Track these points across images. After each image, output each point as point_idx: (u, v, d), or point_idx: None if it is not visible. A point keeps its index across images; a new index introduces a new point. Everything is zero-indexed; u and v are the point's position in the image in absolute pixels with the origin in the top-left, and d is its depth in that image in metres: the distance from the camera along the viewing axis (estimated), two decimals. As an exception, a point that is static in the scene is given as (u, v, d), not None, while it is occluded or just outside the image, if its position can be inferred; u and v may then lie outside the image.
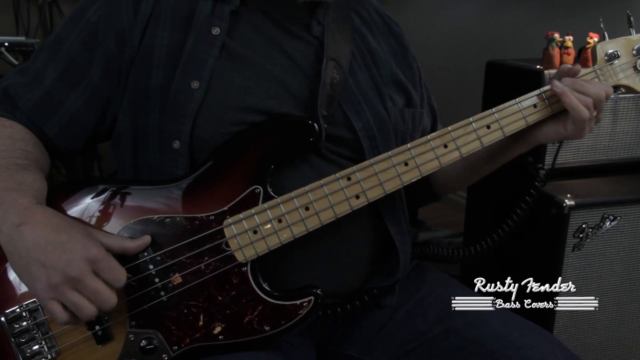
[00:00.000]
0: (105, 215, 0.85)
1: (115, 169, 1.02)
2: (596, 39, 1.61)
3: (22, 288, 0.83)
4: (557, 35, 1.64)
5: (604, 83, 0.95)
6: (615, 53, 0.97)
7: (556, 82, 0.92)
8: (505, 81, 1.75)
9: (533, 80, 1.58)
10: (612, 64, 0.97)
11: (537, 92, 0.93)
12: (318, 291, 0.86)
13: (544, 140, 0.97)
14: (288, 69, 0.94)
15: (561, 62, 1.65)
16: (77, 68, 0.93)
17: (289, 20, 0.96)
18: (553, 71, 1.57)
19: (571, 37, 1.65)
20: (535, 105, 0.93)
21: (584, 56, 1.66)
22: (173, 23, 0.92)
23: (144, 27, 0.91)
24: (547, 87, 0.94)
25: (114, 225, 0.85)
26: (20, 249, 0.76)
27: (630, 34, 0.99)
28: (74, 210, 0.86)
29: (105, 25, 0.92)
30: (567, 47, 1.65)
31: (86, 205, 0.86)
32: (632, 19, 0.99)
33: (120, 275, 0.78)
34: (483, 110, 0.92)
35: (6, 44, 2.35)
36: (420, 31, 3.27)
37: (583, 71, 0.96)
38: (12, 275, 0.83)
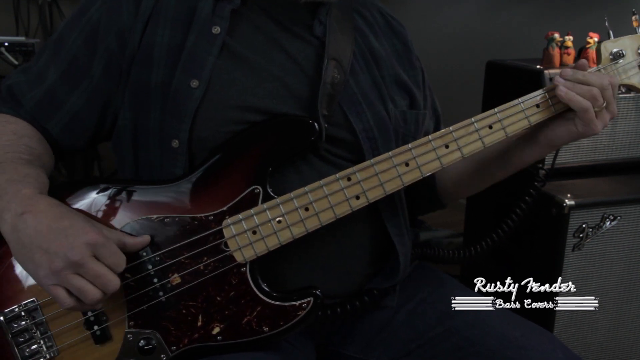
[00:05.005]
0: (104, 214, 0.85)
1: (116, 169, 1.02)
2: (596, 39, 1.61)
3: (22, 287, 0.84)
4: (557, 35, 1.64)
5: (608, 74, 0.91)
6: (620, 52, 0.95)
7: (556, 77, 0.89)
8: (505, 81, 1.75)
9: (533, 80, 1.58)
10: (616, 63, 0.95)
11: (540, 91, 0.91)
12: (317, 292, 0.86)
13: (559, 141, 0.93)
14: (289, 68, 0.93)
15: (561, 62, 1.65)
16: (78, 67, 0.93)
17: (290, 20, 0.96)
18: (553, 71, 1.57)
19: (571, 37, 1.66)
20: (538, 105, 0.91)
21: (583, 56, 1.65)
22: (174, 21, 0.92)
23: (145, 24, 0.91)
24: (551, 86, 0.91)
25: (112, 224, 0.85)
26: (23, 237, 0.76)
27: (635, 32, 0.98)
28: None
29: (106, 23, 0.92)
30: (567, 47, 1.65)
31: (85, 204, 0.86)
32: (637, 17, 0.98)
33: (120, 260, 0.78)
34: (483, 110, 0.91)
35: (6, 44, 2.35)
36: (420, 31, 3.26)
37: (590, 70, 0.93)
38: (11, 275, 0.84)
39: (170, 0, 0.93)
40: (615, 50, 0.95)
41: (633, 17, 0.99)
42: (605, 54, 0.96)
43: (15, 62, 2.38)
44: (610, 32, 0.98)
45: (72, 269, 0.75)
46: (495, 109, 0.90)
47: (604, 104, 0.88)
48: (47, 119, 0.94)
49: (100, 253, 0.77)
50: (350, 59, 0.96)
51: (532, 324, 0.97)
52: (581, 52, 1.67)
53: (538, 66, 1.59)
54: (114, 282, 0.77)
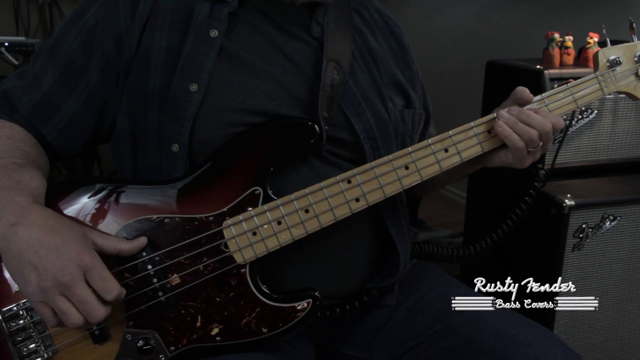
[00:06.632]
0: (103, 214, 0.85)
1: (116, 169, 1.02)
2: (596, 39, 1.61)
3: None
4: (557, 35, 1.64)
5: (556, 114, 0.92)
6: (617, 59, 0.97)
7: (500, 112, 0.90)
8: (505, 81, 1.75)
9: (533, 80, 1.57)
10: (613, 70, 0.97)
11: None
12: (316, 293, 0.86)
13: (489, 164, 0.96)
14: (288, 70, 0.93)
15: (561, 62, 1.65)
16: (75, 70, 0.93)
17: (288, 21, 0.96)
18: (553, 71, 1.57)
19: (571, 37, 1.65)
20: None
21: (583, 56, 1.66)
22: (171, 24, 0.91)
23: (142, 28, 0.91)
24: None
25: (112, 224, 0.85)
26: (13, 249, 0.76)
27: (632, 40, 0.99)
28: (72, 210, 0.85)
29: (103, 27, 0.92)
30: (567, 47, 1.65)
31: (84, 204, 0.86)
32: (634, 25, 0.99)
33: (111, 286, 0.77)
34: (483, 110, 0.92)
35: (6, 44, 2.35)
36: (420, 31, 3.27)
37: (586, 77, 0.96)
38: (9, 274, 0.83)
39: (167, 3, 0.92)
40: (612, 57, 0.97)
41: (630, 25, 1.00)
42: (602, 61, 0.97)
43: (15, 62, 2.38)
44: (608, 40, 0.99)
45: (59, 290, 0.74)
46: (495, 114, 0.91)
47: (540, 144, 0.90)
48: (43, 122, 0.93)
49: (91, 277, 0.76)
50: (349, 59, 0.96)
51: (530, 321, 0.97)
52: (581, 52, 1.67)
53: (538, 66, 1.59)
54: (98, 312, 0.76)
